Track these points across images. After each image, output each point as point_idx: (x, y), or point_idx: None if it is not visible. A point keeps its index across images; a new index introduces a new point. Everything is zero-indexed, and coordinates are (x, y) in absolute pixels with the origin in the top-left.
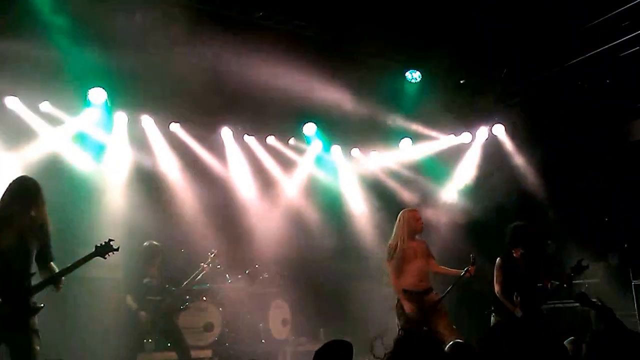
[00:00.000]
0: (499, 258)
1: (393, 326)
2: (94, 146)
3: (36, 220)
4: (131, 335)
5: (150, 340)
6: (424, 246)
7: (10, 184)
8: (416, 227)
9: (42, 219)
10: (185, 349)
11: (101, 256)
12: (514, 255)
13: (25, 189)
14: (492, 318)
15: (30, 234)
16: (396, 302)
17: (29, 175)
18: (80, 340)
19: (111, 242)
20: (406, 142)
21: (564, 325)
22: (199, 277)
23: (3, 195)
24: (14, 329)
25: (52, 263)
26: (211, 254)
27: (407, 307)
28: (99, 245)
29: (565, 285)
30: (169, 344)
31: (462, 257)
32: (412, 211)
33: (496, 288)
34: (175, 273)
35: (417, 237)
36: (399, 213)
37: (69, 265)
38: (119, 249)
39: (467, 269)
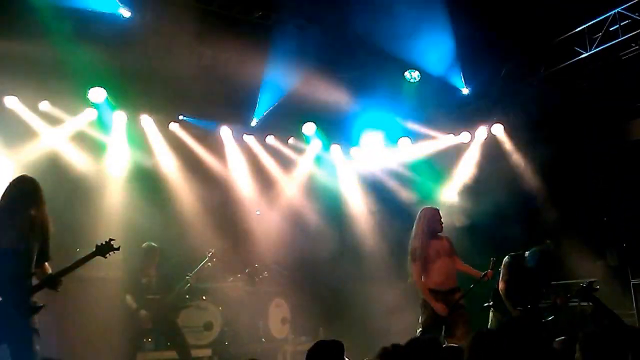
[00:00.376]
0: (507, 257)
1: (391, 326)
2: (93, 145)
3: (36, 219)
4: (131, 335)
5: (150, 340)
6: (447, 244)
7: (11, 184)
8: (436, 226)
9: (42, 218)
10: (186, 349)
11: (102, 255)
12: (525, 261)
13: (25, 189)
14: (490, 313)
15: (30, 233)
16: (420, 300)
17: (28, 174)
18: (80, 340)
19: (112, 242)
20: (405, 141)
21: (562, 324)
22: (193, 282)
23: (3, 194)
24: (14, 328)
25: (46, 264)
26: (209, 253)
27: (438, 308)
28: (99, 244)
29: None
30: (168, 344)
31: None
32: (432, 209)
33: (500, 285)
34: (174, 272)
35: (439, 234)
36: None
37: (69, 264)
38: (119, 249)
39: (485, 273)
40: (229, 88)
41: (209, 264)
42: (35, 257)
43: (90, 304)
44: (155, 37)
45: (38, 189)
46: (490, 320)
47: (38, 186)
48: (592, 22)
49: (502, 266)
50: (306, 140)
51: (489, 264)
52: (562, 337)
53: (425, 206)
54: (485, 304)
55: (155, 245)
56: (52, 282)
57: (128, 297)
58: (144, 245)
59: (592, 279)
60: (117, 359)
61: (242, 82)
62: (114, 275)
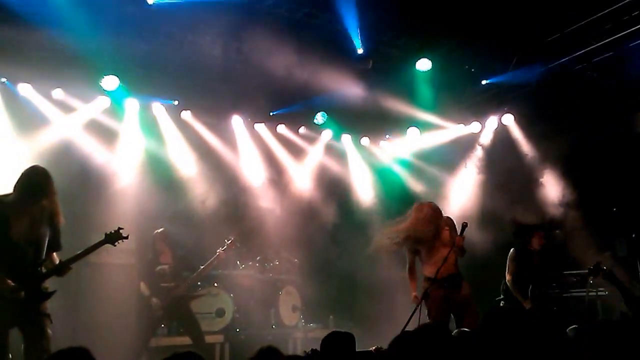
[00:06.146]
0: (512, 249)
1: (401, 313)
2: (106, 133)
3: (47, 210)
4: (143, 321)
5: (163, 326)
6: (447, 233)
7: (23, 174)
8: (432, 219)
9: (53, 208)
10: (200, 335)
11: (111, 244)
12: (529, 248)
13: (36, 179)
14: (501, 305)
15: (41, 223)
16: (422, 290)
17: (42, 162)
18: (93, 325)
19: (121, 230)
20: (415, 131)
21: (571, 314)
22: (215, 263)
23: (15, 184)
24: (26, 314)
25: (55, 254)
26: (228, 241)
27: (413, 296)
28: (108, 233)
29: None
30: (181, 330)
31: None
32: (425, 204)
33: (507, 278)
34: (189, 257)
35: (441, 223)
36: (411, 203)
37: (78, 252)
38: (129, 237)
39: (454, 242)
40: (241, 77)
41: (227, 251)
42: (45, 246)
43: (104, 290)
44: (169, 25)
45: (49, 180)
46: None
47: (49, 177)
48: (602, 12)
49: (508, 259)
50: (318, 128)
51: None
52: (574, 326)
53: (420, 202)
54: (497, 299)
55: (160, 230)
56: (60, 269)
57: (142, 284)
58: (155, 232)
59: (599, 260)
60: (130, 344)
61: (254, 70)
62: (127, 261)
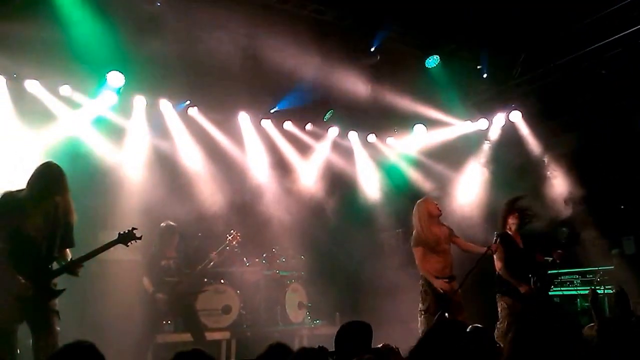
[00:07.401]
0: (495, 234)
1: (407, 311)
2: (113, 130)
3: (61, 206)
4: (149, 317)
5: (169, 322)
6: (447, 231)
7: (36, 170)
8: (432, 213)
9: (66, 205)
10: (200, 332)
11: (124, 244)
12: (509, 231)
13: (51, 175)
14: (497, 300)
15: (54, 219)
16: (420, 287)
17: (48, 158)
18: (100, 322)
19: (134, 231)
20: (421, 128)
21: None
22: (217, 260)
23: (29, 180)
24: (35, 310)
25: (67, 250)
26: (230, 236)
27: (439, 284)
28: (122, 233)
29: (558, 261)
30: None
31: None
32: (425, 200)
33: (497, 265)
34: (194, 254)
35: (440, 223)
36: (415, 200)
37: (90, 251)
38: (142, 237)
39: (489, 247)
40: (248, 74)
41: (228, 247)
42: (58, 243)
43: (110, 286)
44: (176, 21)
45: (63, 176)
46: (500, 309)
47: (63, 173)
48: (610, 9)
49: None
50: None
51: (493, 239)
52: (592, 324)
53: (421, 199)
54: (495, 289)
55: (173, 224)
56: (72, 267)
57: (145, 279)
58: (162, 224)
59: (570, 231)
60: (136, 340)
61: (261, 67)
62: (134, 257)
